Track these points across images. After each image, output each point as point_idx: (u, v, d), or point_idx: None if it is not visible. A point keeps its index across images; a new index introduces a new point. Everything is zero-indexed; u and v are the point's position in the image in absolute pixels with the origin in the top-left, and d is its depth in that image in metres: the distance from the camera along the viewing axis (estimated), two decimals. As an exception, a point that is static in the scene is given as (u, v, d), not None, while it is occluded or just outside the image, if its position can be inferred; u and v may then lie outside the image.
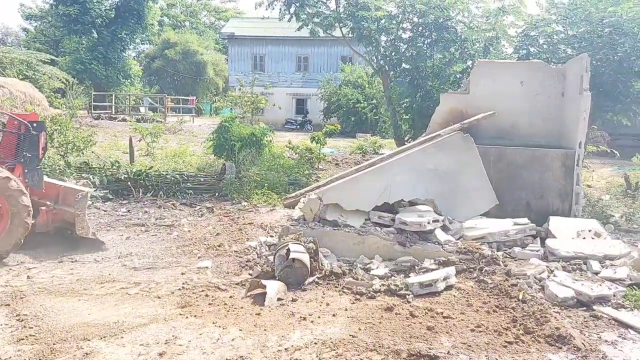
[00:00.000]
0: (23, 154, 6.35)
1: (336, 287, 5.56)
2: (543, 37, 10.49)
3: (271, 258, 6.20)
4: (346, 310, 4.95)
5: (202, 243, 7.11)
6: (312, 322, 4.66)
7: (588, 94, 7.22)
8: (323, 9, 12.47)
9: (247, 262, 6.32)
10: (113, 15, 38.46)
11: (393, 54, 12.22)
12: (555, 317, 4.70)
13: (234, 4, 57.96)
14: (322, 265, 5.88)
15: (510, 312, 4.85)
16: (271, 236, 7.43)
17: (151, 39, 51.10)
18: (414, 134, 12.65)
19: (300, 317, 4.75)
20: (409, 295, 5.27)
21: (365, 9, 11.76)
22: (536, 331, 4.43)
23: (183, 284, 5.55)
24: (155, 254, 6.56)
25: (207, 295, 5.21)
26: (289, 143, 15.30)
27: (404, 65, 12.01)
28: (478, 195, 6.70)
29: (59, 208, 6.74)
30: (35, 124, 6.48)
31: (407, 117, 12.67)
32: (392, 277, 5.75)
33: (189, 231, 7.67)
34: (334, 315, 4.81)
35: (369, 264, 6.10)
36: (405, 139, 12.99)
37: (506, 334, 4.41)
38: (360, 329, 4.51)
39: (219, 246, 6.96)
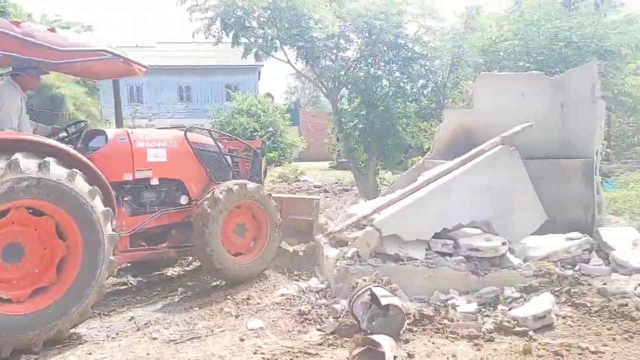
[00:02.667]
0: (254, 177, 6.96)
1: (437, 332, 4.69)
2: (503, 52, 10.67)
3: (336, 306, 5.15)
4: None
5: (225, 298, 5.76)
6: (465, 382, 3.77)
7: (602, 101, 7.20)
8: (267, 31, 11.45)
9: (301, 314, 5.15)
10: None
11: (342, 74, 11.63)
12: None
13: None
14: (407, 308, 4.97)
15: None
16: (299, 281, 6.32)
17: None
18: (369, 156, 12.14)
19: (446, 377, 3.83)
20: (528, 331, 4.59)
21: (312, 29, 11.08)
22: None
23: (255, 353, 4.30)
24: (181, 319, 5.12)
25: (305, 366, 4.06)
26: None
27: (357, 85, 11.43)
28: (530, 212, 6.25)
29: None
30: (259, 150, 7.21)
31: (360, 139, 12.06)
32: (485, 313, 5.05)
33: (191, 284, 6.24)
34: (478, 369, 3.97)
35: (447, 300, 5.30)
36: (360, 163, 12.38)
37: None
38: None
39: (248, 299, 5.69)
